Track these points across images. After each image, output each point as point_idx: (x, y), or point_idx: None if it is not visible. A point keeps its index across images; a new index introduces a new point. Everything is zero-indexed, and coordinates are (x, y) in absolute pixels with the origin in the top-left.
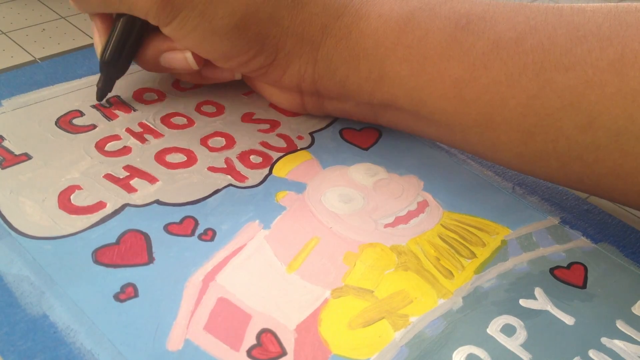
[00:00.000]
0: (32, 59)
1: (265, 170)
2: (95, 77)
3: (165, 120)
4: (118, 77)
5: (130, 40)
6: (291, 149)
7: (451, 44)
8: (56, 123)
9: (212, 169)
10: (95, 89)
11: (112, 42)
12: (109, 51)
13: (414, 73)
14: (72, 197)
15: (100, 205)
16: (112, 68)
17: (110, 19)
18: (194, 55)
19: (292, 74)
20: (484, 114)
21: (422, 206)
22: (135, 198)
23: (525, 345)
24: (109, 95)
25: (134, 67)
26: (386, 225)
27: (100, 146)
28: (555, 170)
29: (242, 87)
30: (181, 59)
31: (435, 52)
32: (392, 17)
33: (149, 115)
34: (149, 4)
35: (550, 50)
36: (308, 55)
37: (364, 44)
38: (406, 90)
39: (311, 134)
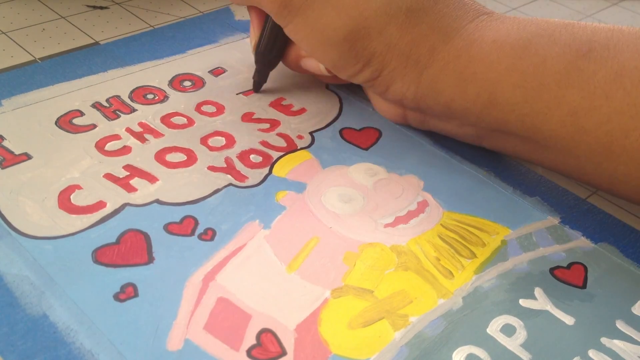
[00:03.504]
0: (32, 59)
1: (265, 170)
2: (95, 77)
3: (165, 119)
4: (271, 69)
5: (280, 35)
6: (291, 149)
7: (570, 72)
8: (56, 123)
9: (212, 168)
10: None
11: (265, 35)
12: (262, 43)
13: (528, 100)
14: (72, 196)
15: (100, 204)
16: (266, 59)
17: (263, 14)
18: None
19: (395, 91)
20: (602, 143)
21: (422, 206)
22: (135, 198)
23: (525, 345)
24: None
25: (133, 67)
26: (386, 225)
27: (100, 146)
28: None
29: (242, 87)
30: (314, 64)
31: (552, 79)
32: (508, 42)
33: (148, 115)
34: (271, 4)
35: None
36: (412, 75)
37: (473, 68)
38: (518, 116)
39: (311, 133)
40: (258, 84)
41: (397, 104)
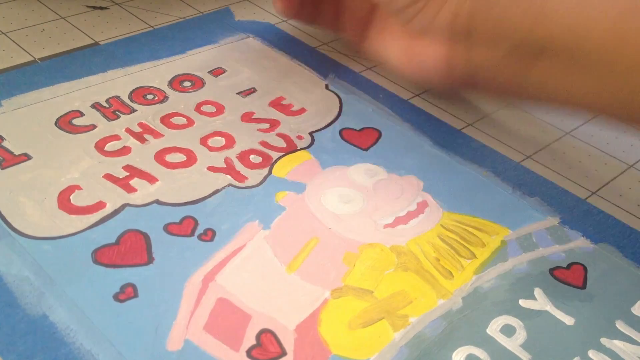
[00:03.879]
0: (32, 59)
1: (265, 171)
2: (95, 78)
3: (165, 120)
4: None
5: None
6: (291, 149)
7: None
8: (56, 123)
9: (211, 168)
10: None
11: None
12: None
13: (577, 4)
14: (71, 197)
15: (99, 205)
16: None
17: None
18: None
19: (449, 9)
20: None
21: (422, 206)
22: (135, 198)
23: (525, 346)
24: (109, 95)
25: (133, 67)
26: (386, 226)
27: (99, 146)
28: None
29: (242, 87)
30: None
31: None
32: None
33: (148, 115)
34: None
35: None
36: None
37: None
38: (568, 25)
39: (311, 133)
40: None
41: (441, 37)
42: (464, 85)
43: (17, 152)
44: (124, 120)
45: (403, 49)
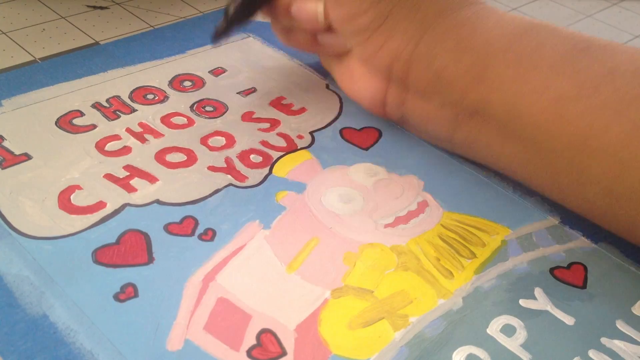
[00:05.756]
0: (32, 59)
1: (265, 170)
2: (95, 77)
3: (165, 120)
4: (241, 22)
5: None
6: (291, 149)
7: (565, 61)
8: (56, 123)
9: (212, 168)
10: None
11: None
12: None
13: (517, 79)
14: (72, 197)
15: (100, 205)
16: (239, 9)
17: None
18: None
19: (390, 49)
20: (581, 136)
21: (422, 206)
22: (135, 198)
23: (525, 346)
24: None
25: (133, 67)
26: (386, 226)
27: (100, 146)
28: None
29: (242, 86)
30: (311, 9)
31: (545, 63)
32: (512, 24)
33: (148, 115)
34: None
35: None
36: (413, 34)
37: (474, 40)
38: (504, 96)
39: (311, 133)
40: (220, 33)
41: (382, 73)
42: (397, 122)
43: (17, 152)
44: (125, 120)
45: (347, 70)
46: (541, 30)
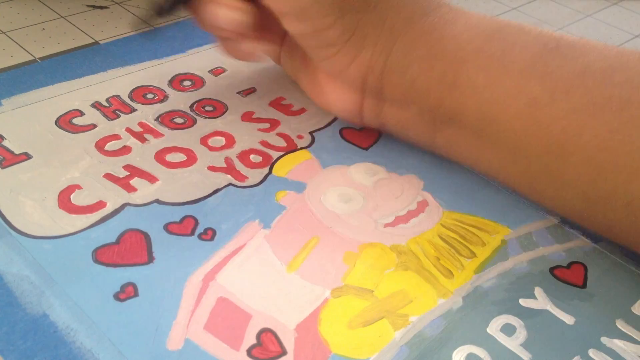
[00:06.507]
0: (32, 58)
1: (265, 170)
2: (95, 77)
3: (165, 119)
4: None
5: None
6: (291, 148)
7: (535, 62)
8: (56, 123)
9: (212, 168)
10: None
11: None
12: None
13: (489, 84)
14: (72, 196)
15: (100, 204)
16: None
17: None
18: (250, 14)
19: (362, 63)
20: (555, 141)
21: (422, 206)
22: (135, 197)
23: (525, 345)
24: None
25: (133, 67)
26: (386, 225)
27: (100, 145)
28: (621, 220)
29: (242, 86)
30: (224, 15)
31: (516, 66)
32: (480, 26)
33: (148, 114)
34: None
35: None
36: (384, 45)
37: (444, 45)
38: (478, 102)
39: (311, 133)
40: (162, 10)
41: (356, 86)
42: (377, 128)
43: (17, 152)
44: (124, 120)
45: (314, 85)
46: (510, 30)
